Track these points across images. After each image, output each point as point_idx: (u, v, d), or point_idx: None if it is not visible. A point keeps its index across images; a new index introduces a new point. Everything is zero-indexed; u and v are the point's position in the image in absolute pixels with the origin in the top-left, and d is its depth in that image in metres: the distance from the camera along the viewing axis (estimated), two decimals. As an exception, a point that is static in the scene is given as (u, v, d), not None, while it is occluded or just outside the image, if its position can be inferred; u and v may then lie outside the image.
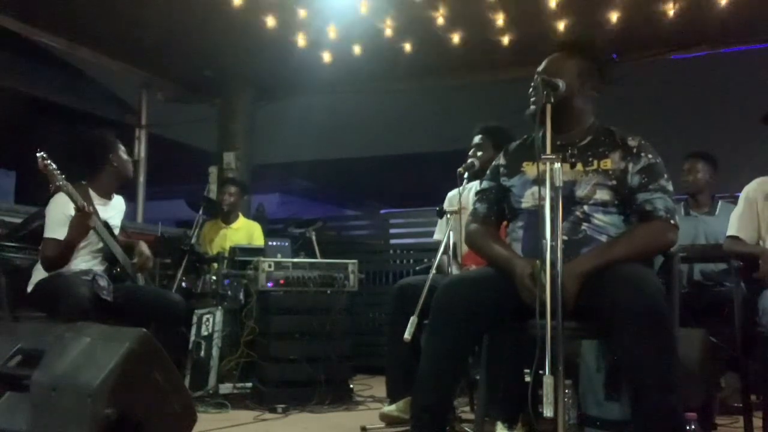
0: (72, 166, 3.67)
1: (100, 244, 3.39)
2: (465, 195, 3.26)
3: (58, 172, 3.10)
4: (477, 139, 3.46)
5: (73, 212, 3.16)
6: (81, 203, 3.14)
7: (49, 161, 3.07)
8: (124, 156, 3.61)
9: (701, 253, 3.77)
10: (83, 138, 3.79)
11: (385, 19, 5.21)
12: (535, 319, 1.87)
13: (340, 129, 7.85)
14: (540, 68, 2.35)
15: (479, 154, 3.37)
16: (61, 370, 1.94)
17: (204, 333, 4.18)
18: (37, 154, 3.04)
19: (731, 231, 3.15)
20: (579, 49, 2.39)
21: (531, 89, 2.27)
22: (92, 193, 3.47)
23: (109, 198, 3.56)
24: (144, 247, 3.61)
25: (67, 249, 3.22)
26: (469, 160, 3.31)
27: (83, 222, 3.15)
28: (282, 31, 5.38)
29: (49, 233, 3.26)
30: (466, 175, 3.21)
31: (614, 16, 5.02)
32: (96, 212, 3.38)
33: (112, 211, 3.57)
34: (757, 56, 5.72)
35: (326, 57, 5.83)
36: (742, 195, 3.17)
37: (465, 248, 3.19)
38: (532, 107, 2.23)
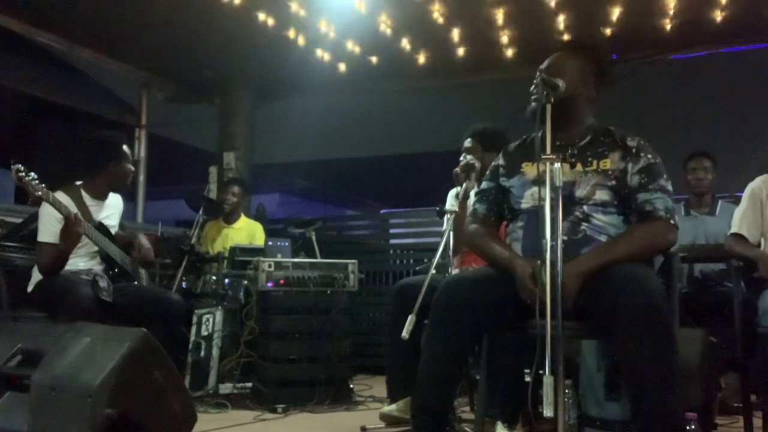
0: (70, 164, 3.65)
1: (96, 247, 3.37)
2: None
3: (37, 182, 3.00)
4: (467, 142, 3.44)
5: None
6: (67, 211, 3.07)
7: (24, 173, 2.95)
8: (127, 166, 3.50)
9: (701, 253, 3.77)
10: (92, 137, 3.63)
11: (385, 18, 5.21)
12: (535, 319, 1.86)
13: (340, 129, 7.88)
14: (542, 66, 2.33)
15: (468, 157, 3.34)
16: (61, 370, 1.94)
17: (204, 333, 4.17)
18: (12, 167, 2.93)
19: (734, 228, 3.12)
20: (582, 49, 2.40)
21: (533, 87, 2.24)
22: (85, 195, 3.41)
23: (103, 198, 3.50)
24: (143, 239, 3.58)
25: (61, 256, 3.17)
26: (471, 162, 3.28)
27: (72, 230, 3.08)
28: (282, 31, 5.38)
29: (42, 237, 3.21)
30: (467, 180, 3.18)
31: (614, 16, 5.02)
32: (90, 215, 3.35)
33: (108, 210, 3.51)
34: (757, 56, 5.73)
35: (326, 57, 5.83)
36: (747, 192, 3.15)
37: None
38: (533, 105, 2.20)
